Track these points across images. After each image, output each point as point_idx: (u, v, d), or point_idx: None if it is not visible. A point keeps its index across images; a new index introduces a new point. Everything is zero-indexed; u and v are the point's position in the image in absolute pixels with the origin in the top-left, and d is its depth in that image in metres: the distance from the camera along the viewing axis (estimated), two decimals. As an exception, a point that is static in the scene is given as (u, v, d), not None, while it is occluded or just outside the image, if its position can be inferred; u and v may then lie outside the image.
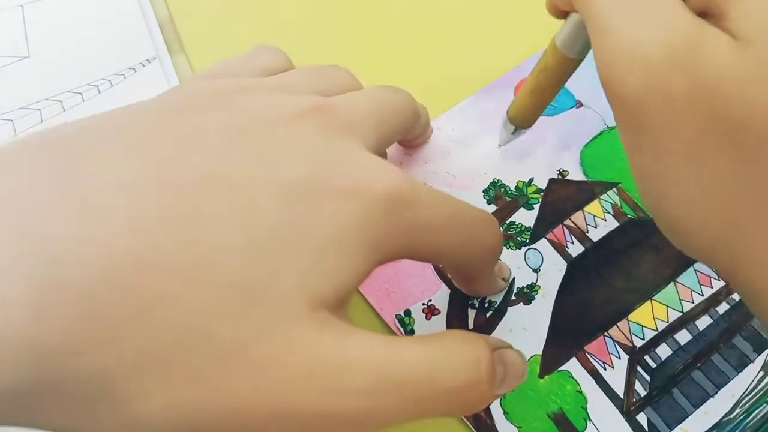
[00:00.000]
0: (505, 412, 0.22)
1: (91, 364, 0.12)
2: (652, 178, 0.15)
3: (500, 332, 0.23)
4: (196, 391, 0.12)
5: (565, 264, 0.25)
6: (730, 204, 0.14)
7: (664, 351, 0.23)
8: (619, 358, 0.23)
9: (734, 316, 0.23)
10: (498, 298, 0.24)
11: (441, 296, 0.24)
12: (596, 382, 0.22)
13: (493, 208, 0.26)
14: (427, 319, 0.24)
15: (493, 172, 0.27)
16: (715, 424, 0.21)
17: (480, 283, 0.22)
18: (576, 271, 0.24)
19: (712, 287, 0.24)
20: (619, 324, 0.23)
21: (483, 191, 0.26)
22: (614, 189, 0.26)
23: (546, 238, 0.25)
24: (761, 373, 0.22)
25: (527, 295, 0.24)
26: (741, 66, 0.13)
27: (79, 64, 0.31)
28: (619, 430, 0.21)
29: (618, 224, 0.25)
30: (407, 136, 0.25)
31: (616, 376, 0.22)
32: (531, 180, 0.26)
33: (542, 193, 0.26)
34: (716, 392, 0.22)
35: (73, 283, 0.11)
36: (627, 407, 0.22)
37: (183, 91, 0.17)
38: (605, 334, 0.23)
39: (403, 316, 0.24)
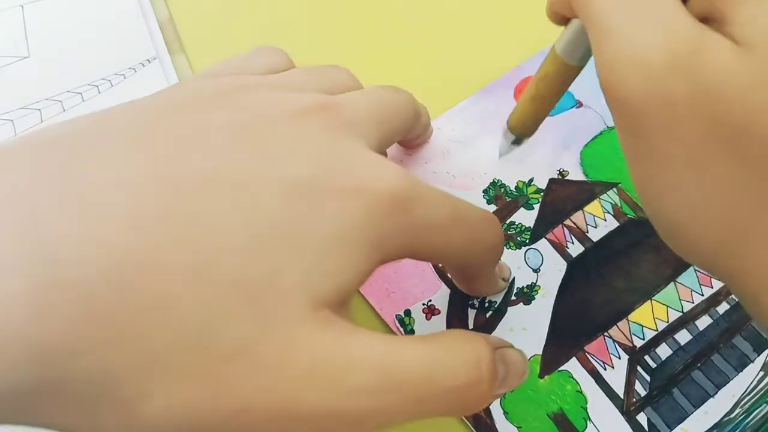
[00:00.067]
0: (505, 412, 0.22)
1: (92, 364, 0.12)
2: (651, 183, 0.15)
3: (500, 332, 0.23)
4: (198, 391, 0.12)
5: (565, 264, 0.25)
6: (731, 209, 0.14)
7: (664, 351, 0.23)
8: (619, 358, 0.23)
9: (734, 316, 0.23)
10: (498, 298, 0.24)
11: (441, 296, 0.24)
12: (596, 382, 0.22)
13: (493, 208, 0.26)
14: (427, 319, 0.24)
15: (493, 172, 0.27)
16: (715, 424, 0.21)
17: (481, 283, 0.22)
18: (576, 271, 0.24)
19: (712, 287, 0.24)
20: (619, 324, 0.23)
21: (483, 191, 0.26)
22: (614, 189, 0.26)
23: (546, 238, 0.25)
24: (761, 373, 0.22)
25: (527, 295, 0.24)
26: (743, 71, 0.13)
27: (79, 64, 0.31)
28: (619, 430, 0.21)
29: (618, 224, 0.25)
30: (408, 136, 0.25)
31: (616, 376, 0.22)
32: (531, 180, 0.26)
33: (542, 193, 0.26)
34: (716, 392, 0.22)
35: (73, 282, 0.11)
36: (627, 407, 0.22)
37: (184, 88, 0.17)
38: (605, 334, 0.23)
39: (403, 316, 0.24)
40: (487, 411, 0.22)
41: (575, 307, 0.24)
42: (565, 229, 0.25)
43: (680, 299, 0.24)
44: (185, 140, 0.14)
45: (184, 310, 0.12)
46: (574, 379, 0.22)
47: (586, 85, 0.28)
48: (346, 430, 0.13)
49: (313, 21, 0.33)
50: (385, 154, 0.21)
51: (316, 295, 0.13)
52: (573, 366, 0.22)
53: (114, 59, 0.31)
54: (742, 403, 0.22)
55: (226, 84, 0.17)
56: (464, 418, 0.22)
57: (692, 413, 0.22)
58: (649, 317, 0.23)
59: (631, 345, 0.23)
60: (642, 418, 0.21)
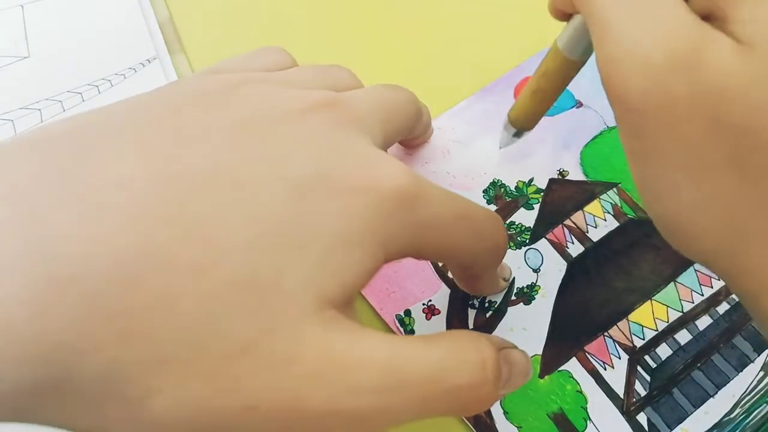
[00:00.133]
0: (505, 412, 0.22)
1: (98, 362, 0.11)
2: (652, 182, 0.15)
3: (500, 332, 0.23)
4: (204, 388, 0.12)
5: (565, 264, 0.25)
6: (732, 209, 0.14)
7: (664, 351, 0.23)
8: (619, 358, 0.23)
9: (734, 316, 0.23)
10: (498, 298, 0.24)
11: (441, 296, 0.24)
12: (596, 382, 0.22)
13: (493, 208, 0.26)
14: (427, 319, 0.24)
15: (493, 172, 0.27)
16: (715, 424, 0.21)
17: (482, 283, 0.22)
18: (576, 271, 0.24)
19: (712, 287, 0.24)
20: (619, 324, 0.23)
21: (483, 191, 0.26)
22: (614, 189, 0.26)
23: (546, 238, 0.25)
24: (761, 373, 0.22)
25: (527, 295, 0.24)
26: (744, 71, 0.13)
27: (79, 64, 0.31)
28: (619, 430, 0.21)
29: (618, 224, 0.25)
30: (409, 135, 0.25)
31: (616, 376, 0.22)
32: (531, 180, 0.26)
33: (542, 193, 0.26)
34: (716, 392, 0.22)
35: (77, 280, 0.11)
36: (627, 407, 0.22)
37: (186, 85, 0.17)
38: (605, 334, 0.23)
39: (403, 316, 0.24)
40: (488, 411, 0.22)
41: (575, 307, 0.24)
42: (565, 229, 0.25)
43: (680, 299, 0.24)
44: (188, 138, 0.14)
45: (189, 308, 0.12)
46: (574, 379, 0.22)
47: (586, 85, 0.28)
48: (350, 429, 0.13)
49: (314, 21, 0.33)
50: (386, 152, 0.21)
51: (321, 294, 0.13)
52: (573, 366, 0.22)
53: (114, 59, 0.31)
54: (742, 403, 0.22)
55: (229, 81, 0.17)
56: (464, 418, 0.22)
57: (692, 413, 0.22)
58: (649, 317, 0.23)
59: (631, 345, 0.23)
60: (642, 418, 0.21)
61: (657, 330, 0.23)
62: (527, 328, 0.23)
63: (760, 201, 0.14)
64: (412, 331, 0.23)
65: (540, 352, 0.23)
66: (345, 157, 0.15)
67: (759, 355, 0.22)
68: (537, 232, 0.25)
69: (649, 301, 0.24)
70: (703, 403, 0.22)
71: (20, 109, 0.29)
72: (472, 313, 0.24)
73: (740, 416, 0.21)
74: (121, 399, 0.12)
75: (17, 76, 0.30)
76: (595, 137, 0.27)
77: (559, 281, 0.24)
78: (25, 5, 0.33)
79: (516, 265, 0.24)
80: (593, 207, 0.26)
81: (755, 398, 0.22)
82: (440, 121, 0.28)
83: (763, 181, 0.13)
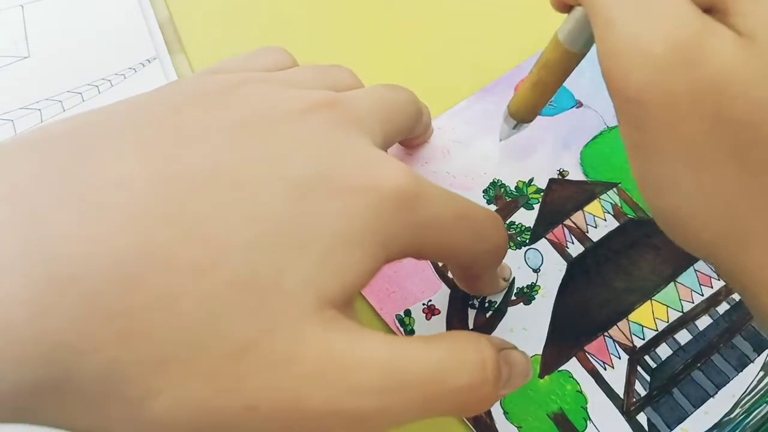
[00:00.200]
0: (505, 412, 0.22)
1: (99, 362, 0.11)
2: (651, 176, 0.15)
3: (500, 332, 0.23)
4: (205, 388, 0.12)
5: (565, 264, 0.25)
6: (732, 203, 0.14)
7: (664, 351, 0.23)
8: (619, 358, 0.23)
9: (734, 316, 0.23)
10: (498, 298, 0.24)
11: (441, 296, 0.24)
12: (596, 382, 0.22)
13: (493, 208, 0.26)
14: (427, 319, 0.24)
15: (493, 172, 0.27)
16: (715, 424, 0.21)
17: (482, 283, 0.22)
18: (576, 271, 0.24)
19: (712, 287, 0.24)
20: (619, 324, 0.23)
21: (483, 191, 0.26)
22: (614, 189, 0.26)
23: (546, 238, 0.25)
24: (761, 373, 0.22)
25: (527, 295, 0.24)
26: (744, 63, 0.13)
27: (79, 64, 0.31)
28: (619, 430, 0.21)
29: (618, 224, 0.25)
30: (409, 135, 0.25)
31: (616, 376, 0.22)
32: (531, 180, 0.26)
33: (542, 193, 0.26)
34: (716, 392, 0.22)
35: (77, 280, 0.11)
36: (627, 407, 0.22)
37: (187, 85, 0.17)
38: (605, 334, 0.23)
39: (403, 316, 0.24)
40: (487, 411, 0.22)
41: (575, 307, 0.24)
42: (565, 229, 0.25)
43: (680, 299, 0.24)
44: (188, 138, 0.14)
45: (189, 307, 0.12)
46: (574, 379, 0.22)
47: (586, 85, 0.28)
48: (350, 430, 0.13)
49: (314, 21, 0.33)
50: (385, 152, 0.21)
51: (321, 294, 0.13)
52: (573, 366, 0.22)
53: (114, 59, 0.31)
54: (742, 403, 0.22)
55: (229, 81, 0.17)
56: (464, 418, 0.22)
57: (692, 413, 0.22)
58: (649, 317, 0.23)
59: (631, 345, 0.23)
60: (642, 418, 0.21)
61: (657, 330, 0.23)
62: (527, 328, 0.23)
63: (761, 195, 0.14)
64: (412, 331, 0.23)
65: (540, 352, 0.23)
66: (345, 157, 0.15)
67: (759, 355, 0.22)
68: (537, 232, 0.25)
69: (649, 301, 0.24)
70: (703, 403, 0.22)
71: (20, 109, 0.29)
72: (472, 313, 0.24)
73: (740, 416, 0.21)
74: (122, 399, 0.12)
75: (17, 76, 0.30)
76: (595, 137, 0.27)
77: (559, 281, 0.24)
78: (25, 5, 0.33)
79: (516, 265, 0.24)
80: (593, 207, 0.26)
81: (755, 398, 0.22)
82: (440, 121, 0.28)
83: (764, 176, 0.13)
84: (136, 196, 0.13)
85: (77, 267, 0.11)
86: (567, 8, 0.18)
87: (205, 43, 0.32)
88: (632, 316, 0.23)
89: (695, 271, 0.24)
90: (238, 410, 0.12)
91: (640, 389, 0.22)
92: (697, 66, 0.13)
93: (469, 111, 0.28)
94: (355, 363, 0.13)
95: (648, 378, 0.22)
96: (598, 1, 0.15)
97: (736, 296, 0.24)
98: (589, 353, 0.23)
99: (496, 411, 0.22)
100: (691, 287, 0.24)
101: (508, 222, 0.26)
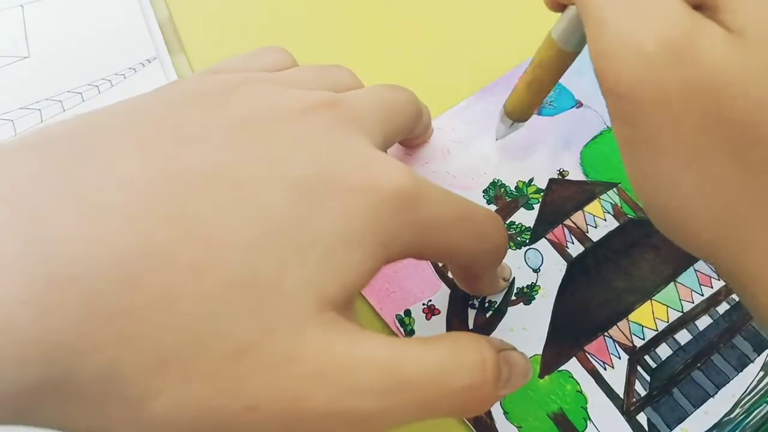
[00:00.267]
0: (505, 412, 0.22)
1: (99, 363, 0.11)
2: (644, 173, 0.15)
3: (500, 332, 0.23)
4: (205, 388, 0.12)
5: (565, 264, 0.25)
6: (727, 201, 0.14)
7: (664, 351, 0.23)
8: (619, 358, 0.23)
9: (734, 316, 0.23)
10: (498, 298, 0.24)
11: (441, 296, 0.24)
12: (596, 382, 0.22)
13: (493, 208, 0.26)
14: (427, 319, 0.24)
15: (493, 172, 0.27)
16: (715, 424, 0.21)
17: (482, 283, 0.22)
18: (576, 271, 0.24)
19: (712, 287, 0.24)
20: (619, 324, 0.23)
21: (483, 191, 0.26)
22: (614, 189, 0.26)
23: (546, 238, 0.25)
24: (761, 373, 0.22)
25: (527, 295, 0.24)
26: (734, 60, 0.13)
27: (79, 64, 0.31)
28: (619, 430, 0.21)
29: (618, 224, 0.25)
30: (409, 135, 0.25)
31: (616, 376, 0.22)
32: (531, 180, 0.26)
33: (542, 193, 0.26)
34: (716, 392, 0.22)
35: (76, 280, 0.11)
36: (627, 407, 0.22)
37: (187, 85, 0.17)
38: (605, 334, 0.23)
39: (403, 316, 0.24)
40: (488, 411, 0.22)
41: (575, 307, 0.24)
42: (565, 229, 0.25)
43: (680, 299, 0.24)
44: (188, 138, 0.14)
45: (189, 308, 0.12)
46: (574, 379, 0.22)
47: (586, 85, 0.28)
48: (351, 430, 0.13)
49: (314, 21, 0.33)
50: (385, 152, 0.21)
51: (321, 294, 0.13)
52: (573, 366, 0.22)
53: (114, 59, 0.31)
54: (742, 403, 0.22)
55: (229, 81, 0.17)
56: (464, 419, 0.22)
57: (692, 413, 0.22)
58: (649, 317, 0.23)
59: (631, 345, 0.23)
60: (642, 418, 0.21)
61: (657, 330, 0.23)
62: (527, 328, 0.23)
63: (761, 195, 0.13)
64: (412, 331, 0.23)
65: (540, 352, 0.23)
66: (345, 158, 0.15)
67: (759, 355, 0.22)
68: (537, 232, 0.25)
69: (649, 301, 0.24)
70: (703, 403, 0.22)
71: (20, 109, 0.29)
72: (472, 313, 0.24)
73: (740, 416, 0.21)
74: (121, 399, 0.12)
75: (17, 76, 0.30)
76: (595, 137, 0.27)
77: (559, 281, 0.24)
78: (25, 5, 0.33)
79: (516, 265, 0.24)
80: (593, 207, 0.26)
81: (755, 398, 0.22)
82: (440, 121, 0.28)
83: (757, 171, 0.13)
84: (137, 196, 0.13)
85: (77, 267, 0.11)
86: (560, 7, 0.18)
87: (205, 43, 0.32)
88: (632, 316, 0.23)
89: (695, 271, 0.24)
90: (238, 410, 0.12)
91: (640, 389, 0.22)
92: (688, 63, 0.13)
93: (469, 111, 0.28)
94: (355, 364, 0.13)
95: (648, 378, 0.22)
96: (589, 1, 0.15)
97: (736, 296, 0.24)
98: (589, 353, 0.23)
99: (496, 411, 0.22)
100: (691, 287, 0.24)
101: (508, 222, 0.26)
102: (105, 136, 0.14)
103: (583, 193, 0.26)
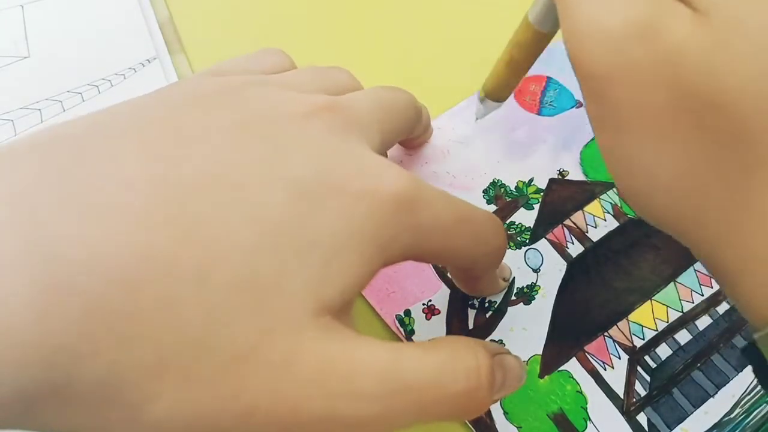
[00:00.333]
0: (505, 412, 0.22)
1: (99, 366, 0.11)
2: (615, 151, 0.15)
3: (500, 332, 0.23)
4: (204, 392, 0.12)
5: (565, 264, 0.25)
6: (692, 178, 0.14)
7: (664, 351, 0.23)
8: (619, 358, 0.23)
9: (734, 316, 0.23)
10: (498, 298, 0.24)
11: (441, 296, 0.24)
12: (596, 382, 0.22)
13: (493, 208, 0.26)
14: (427, 319, 0.24)
15: (493, 172, 0.27)
16: (715, 424, 0.21)
17: (482, 284, 0.22)
18: (576, 271, 0.24)
19: (712, 287, 0.24)
20: (619, 324, 0.23)
21: (483, 191, 0.26)
22: (614, 189, 0.26)
23: (546, 238, 0.25)
24: (761, 373, 0.22)
25: (527, 295, 0.24)
26: (700, 39, 0.13)
27: (79, 64, 0.31)
28: (619, 430, 0.21)
29: (618, 224, 0.25)
30: (409, 136, 0.25)
31: (616, 376, 0.22)
32: (531, 180, 0.26)
33: (542, 193, 0.26)
34: (716, 392, 0.22)
35: (76, 283, 0.11)
36: (627, 407, 0.22)
37: (188, 86, 0.17)
38: (605, 334, 0.23)
39: (403, 316, 0.24)
40: (487, 411, 0.22)
41: (575, 307, 0.24)
42: (565, 229, 0.25)
43: (680, 299, 0.24)
44: (189, 139, 0.14)
45: (190, 312, 0.12)
46: (574, 379, 0.22)
47: (586, 85, 0.28)
48: None
49: (313, 21, 0.33)
50: (385, 154, 0.21)
51: (320, 299, 0.13)
52: (573, 366, 0.22)
53: (114, 59, 0.31)
54: (742, 403, 0.22)
55: (228, 83, 0.17)
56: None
57: (692, 413, 0.22)
58: (649, 317, 0.23)
59: (631, 345, 0.23)
60: (642, 418, 0.21)
61: (657, 330, 0.23)
62: (527, 328, 0.23)
63: (718, 161, 0.14)
64: (412, 331, 0.23)
65: (540, 352, 0.23)
66: (344, 161, 0.15)
67: (759, 355, 0.22)
68: (537, 232, 0.25)
69: (649, 301, 0.24)
70: (703, 403, 0.22)
71: (20, 109, 0.29)
72: (472, 313, 0.24)
73: (740, 416, 0.21)
74: (122, 403, 0.12)
75: (17, 76, 0.30)
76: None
77: (559, 281, 0.24)
78: (25, 5, 0.33)
79: (516, 265, 0.24)
80: (593, 207, 0.26)
81: (755, 398, 0.22)
82: (440, 121, 0.28)
83: (722, 149, 0.14)
84: (137, 197, 0.13)
85: (77, 269, 0.11)
86: None
87: (205, 43, 0.32)
88: (632, 316, 0.23)
89: (695, 271, 0.24)
90: (237, 415, 0.12)
91: (640, 389, 0.22)
92: (654, 42, 0.13)
93: (469, 111, 0.28)
94: (354, 369, 0.13)
95: (648, 378, 0.22)
96: None
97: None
98: (589, 353, 0.23)
99: (496, 411, 0.22)
100: (691, 287, 0.24)
101: (508, 222, 0.26)
102: (105, 137, 0.14)
103: (583, 193, 0.26)
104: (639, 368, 0.22)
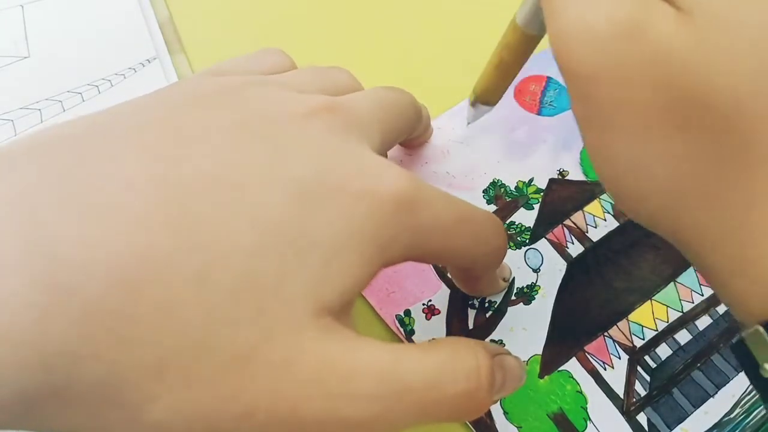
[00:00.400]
0: (505, 412, 0.22)
1: (98, 368, 0.11)
2: (600, 146, 0.15)
3: (500, 332, 0.23)
4: (203, 394, 0.12)
5: (565, 264, 0.25)
6: (676, 171, 0.14)
7: (664, 351, 0.23)
8: (619, 358, 0.23)
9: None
10: (498, 298, 0.24)
11: (441, 296, 0.24)
12: (596, 382, 0.22)
13: (493, 208, 0.26)
14: (427, 319, 0.24)
15: (493, 172, 0.27)
16: (715, 424, 0.21)
17: (482, 284, 0.22)
18: (576, 271, 0.24)
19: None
20: (619, 324, 0.23)
21: (483, 191, 0.26)
22: (614, 189, 0.26)
23: (546, 238, 0.25)
24: (761, 373, 0.22)
25: (527, 295, 0.24)
26: (684, 38, 0.13)
27: (79, 64, 0.31)
28: (619, 430, 0.21)
29: (618, 224, 0.25)
30: (409, 136, 0.25)
31: (616, 376, 0.22)
32: (531, 180, 0.26)
33: (542, 193, 0.26)
34: (716, 392, 0.22)
35: (76, 284, 0.11)
36: (627, 407, 0.22)
37: (188, 86, 0.17)
38: (605, 334, 0.23)
39: (403, 316, 0.24)
40: (487, 411, 0.22)
41: (575, 307, 0.24)
42: (565, 229, 0.25)
43: (680, 299, 0.24)
44: (189, 140, 0.14)
45: (189, 313, 0.12)
46: (574, 379, 0.22)
47: (586, 85, 0.28)
48: None
49: (313, 21, 0.33)
50: (385, 155, 0.21)
51: (320, 300, 0.13)
52: (573, 366, 0.22)
53: (114, 59, 0.31)
54: (742, 403, 0.22)
55: (229, 83, 0.17)
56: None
57: (692, 413, 0.22)
58: (649, 317, 0.23)
59: (631, 345, 0.23)
60: (642, 418, 0.21)
61: (657, 330, 0.23)
62: (527, 328, 0.23)
63: (703, 160, 0.14)
64: (412, 331, 0.23)
65: (540, 352, 0.23)
66: (344, 162, 0.15)
67: (759, 355, 0.22)
68: (537, 232, 0.25)
69: (649, 301, 0.24)
70: (703, 403, 0.22)
71: (20, 109, 0.29)
72: (472, 313, 0.24)
73: (740, 416, 0.21)
74: (121, 405, 0.12)
75: (17, 76, 0.30)
76: (595, 137, 0.27)
77: (559, 281, 0.24)
78: (25, 5, 0.33)
79: (516, 265, 0.24)
80: (593, 207, 0.26)
81: (755, 398, 0.22)
82: (440, 121, 0.28)
83: (705, 141, 0.14)
84: (137, 198, 0.13)
85: (77, 271, 0.11)
86: None
87: (205, 43, 0.32)
88: (632, 316, 0.23)
89: (695, 271, 0.24)
90: (237, 417, 0.12)
91: (640, 389, 0.22)
92: (638, 41, 0.13)
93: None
94: (353, 370, 0.13)
95: (648, 378, 0.22)
96: None
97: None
98: (589, 353, 0.23)
99: (496, 411, 0.22)
100: (691, 287, 0.24)
101: (508, 222, 0.26)
102: (105, 137, 0.14)
103: (583, 193, 0.26)
104: (639, 368, 0.22)
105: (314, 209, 0.14)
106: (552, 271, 0.24)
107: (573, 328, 0.23)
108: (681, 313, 0.23)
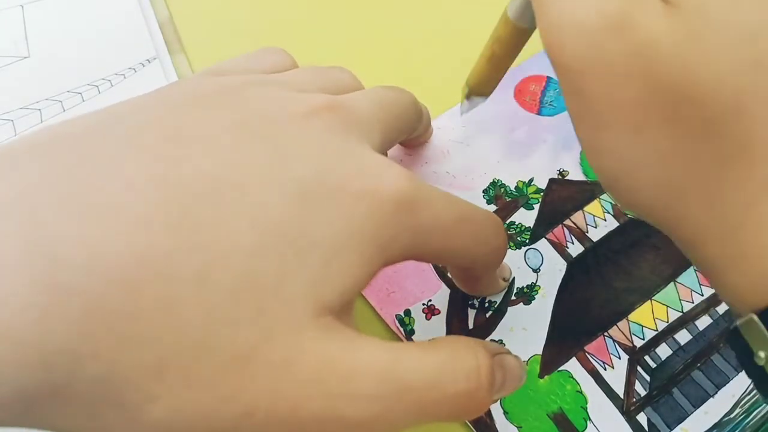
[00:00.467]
0: (505, 412, 0.22)
1: (98, 368, 0.11)
2: (593, 142, 0.15)
3: (500, 332, 0.23)
4: (203, 394, 0.12)
5: (565, 264, 0.25)
6: (667, 163, 0.14)
7: (664, 351, 0.23)
8: (619, 358, 0.23)
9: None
10: (498, 298, 0.24)
11: (441, 296, 0.24)
12: (596, 382, 0.22)
13: (493, 208, 0.26)
14: (427, 319, 0.24)
15: (493, 172, 0.27)
16: (715, 424, 0.21)
17: (482, 284, 0.22)
18: (576, 271, 0.24)
19: (712, 287, 0.24)
20: (619, 324, 0.23)
21: (483, 191, 0.26)
22: (614, 189, 0.26)
23: (546, 238, 0.25)
24: (761, 373, 0.22)
25: (527, 295, 0.24)
26: (671, 30, 0.13)
27: (79, 64, 0.31)
28: (619, 430, 0.21)
29: (618, 224, 0.25)
30: (409, 136, 0.25)
31: (616, 376, 0.22)
32: (531, 180, 0.26)
33: (542, 193, 0.26)
34: (716, 392, 0.22)
35: (76, 284, 0.11)
36: (627, 407, 0.22)
37: (188, 86, 0.17)
38: (605, 334, 0.23)
39: (403, 316, 0.24)
40: (487, 411, 0.22)
41: (575, 307, 0.24)
42: (565, 229, 0.25)
43: (680, 299, 0.24)
44: (189, 139, 0.14)
45: (189, 311, 0.12)
46: (574, 379, 0.22)
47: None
48: None
49: (314, 21, 0.33)
50: (385, 154, 0.21)
51: (320, 299, 0.13)
52: (573, 366, 0.22)
53: (114, 59, 0.31)
54: (742, 403, 0.22)
55: (229, 83, 0.17)
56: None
57: (692, 413, 0.22)
58: (649, 317, 0.23)
59: (631, 345, 0.23)
60: (642, 418, 0.21)
61: (657, 330, 0.23)
62: (527, 328, 0.23)
63: (693, 154, 0.14)
64: (412, 331, 0.23)
65: (540, 352, 0.23)
66: (345, 162, 0.15)
67: (759, 355, 0.22)
68: (537, 232, 0.25)
69: (649, 301, 0.24)
70: (703, 403, 0.22)
71: (20, 109, 0.29)
72: (472, 313, 0.24)
73: (740, 416, 0.21)
74: (120, 405, 0.12)
75: (17, 76, 0.30)
76: (595, 137, 0.27)
77: (559, 281, 0.24)
78: (25, 5, 0.33)
79: (516, 265, 0.24)
80: (593, 207, 0.26)
81: (755, 398, 0.22)
82: (440, 121, 0.28)
83: (694, 135, 0.14)
84: (137, 198, 0.13)
85: (77, 270, 0.11)
86: None
87: (205, 43, 0.32)
88: (632, 316, 0.23)
89: (695, 271, 0.24)
90: (237, 416, 0.12)
91: (640, 389, 0.22)
92: (627, 34, 0.14)
93: (470, 111, 0.28)
94: (353, 369, 0.13)
95: (648, 378, 0.22)
96: None
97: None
98: (589, 353, 0.23)
99: (496, 411, 0.22)
100: (691, 287, 0.24)
101: (508, 222, 0.26)
102: (105, 137, 0.14)
103: (583, 193, 0.26)
104: (639, 368, 0.22)
105: (314, 209, 0.14)
106: (552, 271, 0.24)
107: (573, 328, 0.23)
108: (681, 313, 0.23)
